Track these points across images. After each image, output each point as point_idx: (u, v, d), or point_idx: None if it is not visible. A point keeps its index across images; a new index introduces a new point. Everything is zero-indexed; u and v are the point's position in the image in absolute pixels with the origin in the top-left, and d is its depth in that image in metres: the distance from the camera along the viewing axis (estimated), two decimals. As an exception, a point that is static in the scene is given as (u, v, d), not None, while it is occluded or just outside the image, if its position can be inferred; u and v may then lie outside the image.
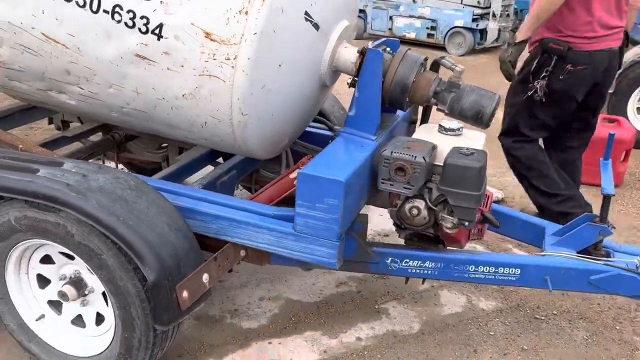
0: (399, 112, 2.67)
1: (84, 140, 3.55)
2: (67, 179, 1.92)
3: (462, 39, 9.98)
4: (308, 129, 2.97)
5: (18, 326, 2.23)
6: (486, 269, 2.25)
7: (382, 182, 2.20)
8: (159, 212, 1.98)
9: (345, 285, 2.96)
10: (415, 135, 2.42)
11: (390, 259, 2.29)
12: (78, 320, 2.22)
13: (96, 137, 3.50)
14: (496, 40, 10.42)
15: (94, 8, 2.02)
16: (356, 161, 2.10)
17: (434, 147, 2.25)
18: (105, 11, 2.01)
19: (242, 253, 2.29)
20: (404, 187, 2.16)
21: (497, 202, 4.00)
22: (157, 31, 2.00)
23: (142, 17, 1.99)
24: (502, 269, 2.25)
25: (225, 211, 2.19)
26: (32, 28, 2.13)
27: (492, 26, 10.11)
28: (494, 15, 10.08)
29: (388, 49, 2.39)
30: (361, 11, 11.01)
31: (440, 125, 2.42)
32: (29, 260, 2.17)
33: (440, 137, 2.39)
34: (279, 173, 3.03)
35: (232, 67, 1.99)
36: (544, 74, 2.89)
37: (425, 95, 2.29)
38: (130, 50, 2.06)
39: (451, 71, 2.30)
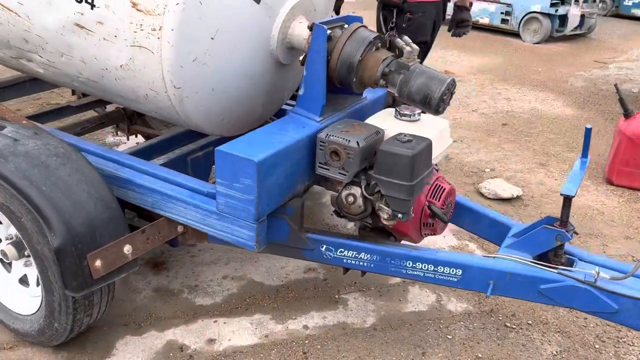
0: (370, 94, 2.52)
1: (98, 109, 3.71)
2: (-2, 143, 2.00)
3: (539, 26, 9.29)
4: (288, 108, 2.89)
5: (-27, 280, 2.37)
6: (425, 266, 2.08)
7: (319, 166, 2.09)
8: (81, 181, 2.00)
9: (313, 272, 2.87)
10: (370, 119, 2.28)
11: (324, 246, 2.18)
12: (24, 280, 2.32)
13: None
14: (578, 27, 9.60)
15: None
16: (283, 142, 2.00)
17: (377, 132, 2.10)
18: None
19: (180, 229, 2.27)
20: (339, 173, 2.04)
21: (512, 199, 3.70)
22: (90, 0, 2.01)
23: None
24: (443, 268, 2.06)
25: (159, 185, 2.18)
26: None
27: (574, 12, 9.32)
28: (576, 0, 9.28)
29: (346, 25, 2.24)
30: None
31: (396, 110, 2.26)
32: (-18, 219, 2.30)
33: (394, 122, 2.24)
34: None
35: (158, 38, 1.96)
36: (390, 25, 3.48)
37: (373, 76, 2.13)
38: (70, 20, 2.08)
39: (404, 50, 2.12)
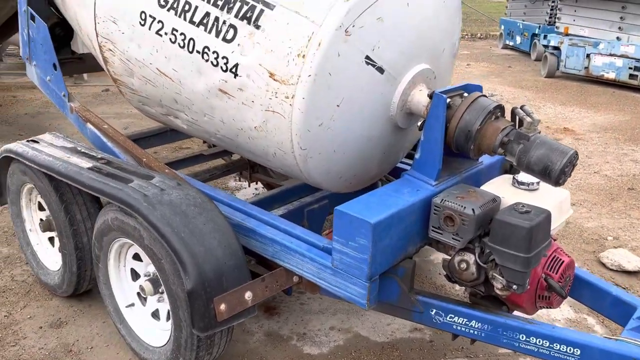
0: (487, 159, 2.54)
1: (225, 158, 4.05)
2: (147, 191, 2.28)
3: (673, 82, 8.65)
4: (404, 166, 2.98)
5: (114, 309, 2.66)
6: (539, 341, 2.01)
7: (432, 230, 2.14)
8: (213, 229, 2.21)
9: (420, 332, 2.87)
10: (485, 186, 2.30)
11: (434, 310, 2.19)
12: (155, 314, 2.58)
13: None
14: None
15: (190, 49, 2.37)
16: (399, 205, 2.08)
17: (494, 200, 2.11)
18: (198, 51, 2.35)
19: (296, 279, 2.41)
20: (453, 238, 2.08)
21: (638, 272, 3.44)
22: (234, 70, 2.27)
23: (223, 57, 2.27)
24: (559, 345, 1.99)
25: (280, 236, 2.34)
26: (150, 64, 2.57)
27: None
28: None
29: (466, 94, 2.31)
30: (555, 48, 10.29)
31: (513, 178, 2.26)
32: (125, 255, 2.59)
33: (511, 190, 2.24)
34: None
35: (290, 105, 2.15)
36: None
37: (491, 144, 2.16)
38: (215, 85, 2.36)
39: (524, 121, 2.14)
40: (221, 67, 2.30)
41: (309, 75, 2.09)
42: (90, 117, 3.22)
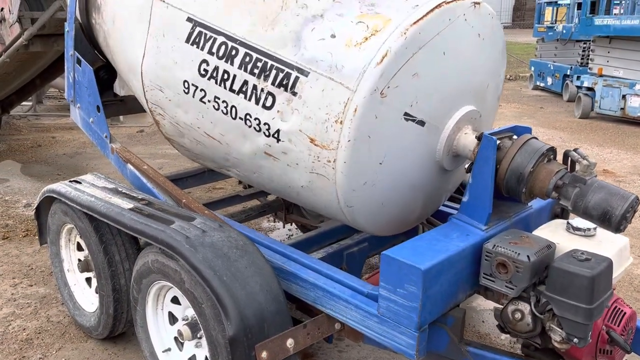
0: (536, 202, 2.45)
1: (261, 198, 4.03)
2: (189, 233, 2.25)
3: None
4: (448, 209, 2.90)
5: (150, 354, 2.60)
6: (603, 400, 1.88)
7: (484, 277, 2.05)
8: (255, 273, 2.16)
9: (466, 384, 2.72)
10: (538, 231, 2.21)
11: (486, 363, 2.08)
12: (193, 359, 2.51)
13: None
14: None
15: (233, 115, 2.40)
16: (449, 250, 2.00)
17: (549, 246, 2.01)
18: (240, 118, 2.37)
19: (338, 326, 2.32)
20: (506, 286, 1.98)
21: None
22: (276, 135, 2.28)
23: (265, 124, 2.29)
24: (625, 405, 1.84)
25: (322, 281, 2.27)
26: (198, 127, 2.61)
27: None
28: None
29: (515, 136, 2.25)
30: (589, 89, 10.17)
31: (568, 223, 2.17)
32: (164, 298, 2.55)
33: (566, 236, 2.14)
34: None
35: (333, 168, 2.13)
36: None
37: (544, 188, 2.08)
38: (260, 149, 2.37)
39: (580, 164, 2.06)
40: (264, 133, 2.32)
41: (349, 141, 2.07)
42: (130, 158, 3.25)
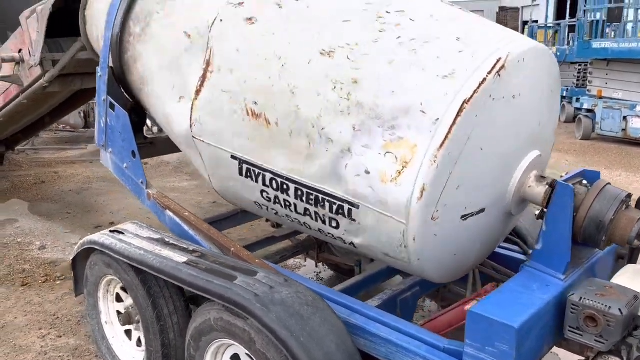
0: (601, 246, 2.41)
1: (292, 239, 3.95)
2: (257, 290, 2.17)
3: None
4: (499, 250, 2.87)
5: (208, 412, 2.49)
6: None
7: (570, 330, 1.99)
8: (330, 331, 2.08)
9: None
10: (616, 279, 2.16)
11: (576, 420, 2.01)
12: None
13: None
14: None
15: (308, 228, 2.52)
16: (536, 304, 1.95)
17: (636, 297, 1.97)
18: (315, 230, 2.49)
19: (413, 382, 2.24)
20: (595, 340, 1.92)
21: None
22: (352, 245, 2.38)
23: (338, 237, 2.39)
24: None
25: (395, 336, 2.20)
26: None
27: None
28: None
29: (585, 181, 2.22)
30: (589, 111, 10.31)
31: (648, 270, 2.12)
32: (222, 355, 2.45)
33: (648, 283, 2.09)
34: (466, 290, 2.95)
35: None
36: None
37: (626, 235, 2.04)
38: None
39: (662, 211, 2.03)
40: (340, 240, 2.39)
41: (418, 259, 2.13)
42: (169, 204, 3.16)
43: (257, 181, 2.49)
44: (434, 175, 1.95)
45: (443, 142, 1.93)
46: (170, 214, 3.13)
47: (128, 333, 3.07)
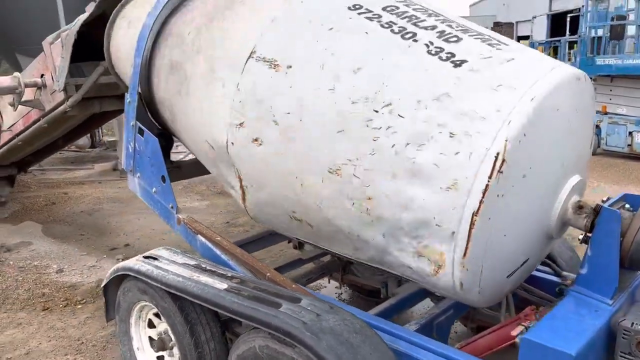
0: None
1: (316, 261, 3.95)
2: (304, 317, 2.16)
3: None
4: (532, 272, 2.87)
5: None
6: None
7: (621, 356, 2.00)
8: (380, 359, 2.08)
9: None
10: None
11: None
12: None
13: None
14: None
15: None
16: (589, 330, 1.96)
17: (687, 322, 1.97)
18: None
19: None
20: (649, 366, 1.93)
21: None
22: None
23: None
24: None
25: (444, 364, 2.20)
26: None
27: None
28: None
29: (627, 205, 2.24)
30: (594, 126, 10.37)
31: (694, 293, 2.13)
32: (265, 383, 2.44)
33: (695, 307, 2.10)
34: (497, 312, 2.95)
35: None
36: None
37: (675, 260, 2.06)
38: None
39: None
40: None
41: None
42: (201, 229, 3.16)
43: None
44: (467, 275, 2.03)
45: (465, 253, 1.98)
46: (202, 238, 3.13)
47: (160, 359, 3.05)
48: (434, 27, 2.28)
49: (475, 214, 1.90)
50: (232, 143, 2.58)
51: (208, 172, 3.56)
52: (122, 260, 5.35)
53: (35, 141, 5.72)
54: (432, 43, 2.19)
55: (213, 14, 2.91)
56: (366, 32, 2.31)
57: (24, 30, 9.55)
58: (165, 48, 3.16)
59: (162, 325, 2.93)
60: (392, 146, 2.07)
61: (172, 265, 2.77)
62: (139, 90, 3.34)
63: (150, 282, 2.73)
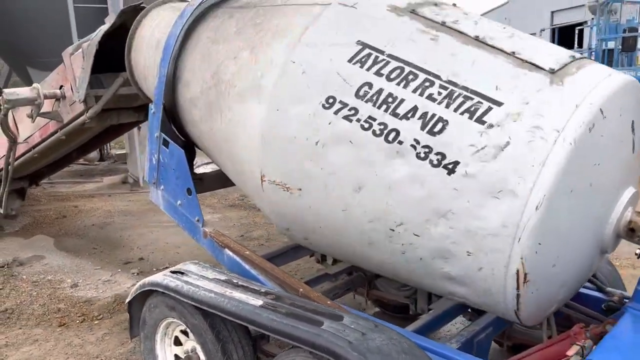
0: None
1: (342, 276, 3.85)
2: (349, 336, 2.06)
3: None
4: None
5: None
6: None
7: (687, 376, 1.89)
8: (432, 381, 1.97)
9: None
10: None
11: None
12: None
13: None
14: None
15: None
16: (655, 350, 1.85)
17: None
18: None
19: None
20: None
21: None
22: None
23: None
24: None
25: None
26: None
27: None
28: None
29: (684, 217, 2.14)
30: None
31: None
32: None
33: None
34: (535, 329, 2.86)
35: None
36: None
37: None
38: None
39: None
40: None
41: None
42: (228, 243, 3.07)
43: None
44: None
45: None
46: (230, 252, 3.04)
47: (186, 378, 2.94)
48: (414, 111, 2.06)
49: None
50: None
51: (232, 185, 3.49)
52: (138, 274, 5.29)
53: (50, 153, 5.65)
54: (418, 143, 2.03)
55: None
56: (350, 142, 2.18)
57: (35, 44, 9.53)
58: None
59: (190, 343, 2.83)
60: (420, 259, 2.16)
61: (203, 281, 2.67)
62: (164, 101, 3.28)
63: (180, 298, 2.63)
